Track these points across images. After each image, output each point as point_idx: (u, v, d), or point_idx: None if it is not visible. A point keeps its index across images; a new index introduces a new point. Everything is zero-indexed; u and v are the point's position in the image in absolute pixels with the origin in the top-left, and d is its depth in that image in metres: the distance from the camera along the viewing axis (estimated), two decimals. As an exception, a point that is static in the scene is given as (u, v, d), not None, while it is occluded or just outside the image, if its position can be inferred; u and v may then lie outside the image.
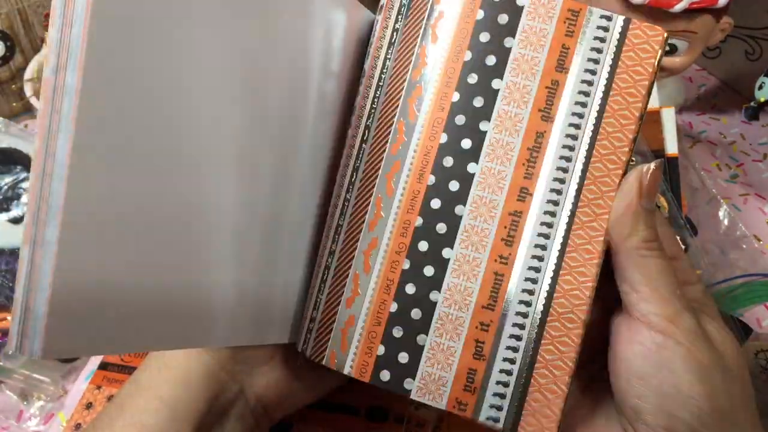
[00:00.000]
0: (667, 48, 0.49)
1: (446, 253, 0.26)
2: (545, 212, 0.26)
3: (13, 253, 0.46)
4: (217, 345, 0.31)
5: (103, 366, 0.43)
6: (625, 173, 0.26)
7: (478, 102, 0.26)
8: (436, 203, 0.26)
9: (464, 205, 0.26)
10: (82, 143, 0.18)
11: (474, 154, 0.26)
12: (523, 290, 0.26)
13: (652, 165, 0.26)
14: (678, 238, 0.46)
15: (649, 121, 0.50)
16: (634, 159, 0.33)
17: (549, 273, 0.26)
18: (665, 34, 0.26)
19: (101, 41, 0.18)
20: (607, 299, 0.27)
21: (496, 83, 0.26)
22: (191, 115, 0.22)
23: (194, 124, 0.22)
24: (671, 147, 0.50)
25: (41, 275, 0.18)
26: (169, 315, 0.23)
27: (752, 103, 0.53)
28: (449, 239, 0.26)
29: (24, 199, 0.49)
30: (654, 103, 0.51)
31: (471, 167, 0.26)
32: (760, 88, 0.53)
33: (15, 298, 0.19)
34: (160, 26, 0.20)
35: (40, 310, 0.18)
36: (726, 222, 0.51)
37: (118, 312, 0.21)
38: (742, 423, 0.24)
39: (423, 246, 0.26)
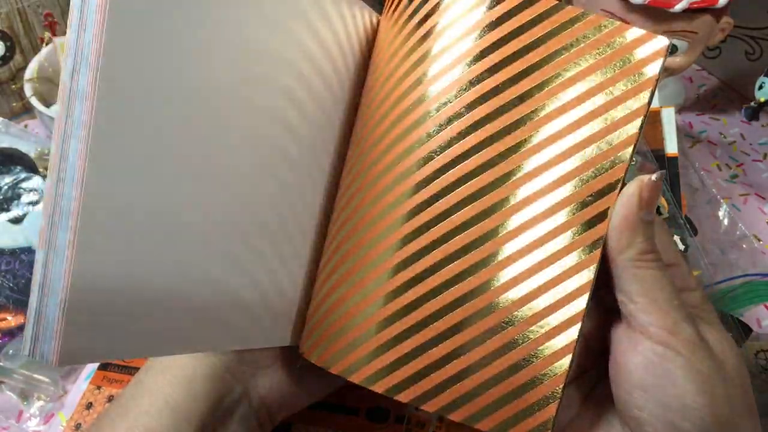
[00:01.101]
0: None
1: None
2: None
3: (14, 253, 0.46)
4: (223, 349, 0.31)
5: (103, 366, 0.43)
6: (625, 177, 0.26)
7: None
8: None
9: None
10: (94, 148, 0.18)
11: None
12: None
13: (654, 177, 0.25)
14: (678, 238, 0.46)
15: (649, 121, 0.50)
16: (634, 160, 0.33)
17: None
18: (668, 43, 0.26)
19: (113, 46, 0.18)
20: (607, 307, 0.27)
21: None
22: (200, 118, 0.22)
23: (203, 127, 0.22)
24: (671, 147, 0.50)
25: (54, 279, 0.18)
26: (177, 320, 0.23)
27: (752, 103, 0.54)
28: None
29: (24, 198, 0.49)
30: (654, 103, 0.51)
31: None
32: (760, 88, 0.53)
33: (30, 302, 0.19)
34: (171, 29, 0.20)
35: (53, 314, 0.18)
36: (726, 222, 0.51)
37: (130, 317, 0.21)
38: (744, 430, 0.24)
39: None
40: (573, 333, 0.25)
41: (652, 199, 0.25)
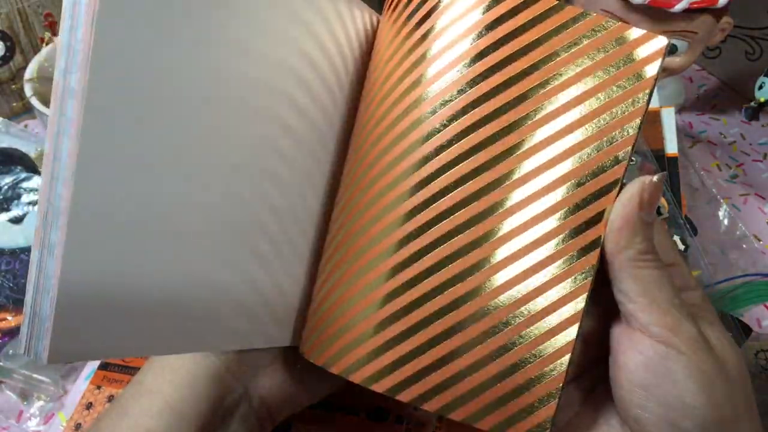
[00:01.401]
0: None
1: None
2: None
3: (14, 253, 0.46)
4: (221, 349, 0.31)
5: (103, 366, 0.43)
6: (624, 177, 0.26)
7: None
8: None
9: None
10: (83, 146, 0.18)
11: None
12: None
13: (655, 178, 0.25)
14: (678, 238, 0.46)
15: (649, 121, 0.50)
16: (633, 159, 0.33)
17: None
18: (667, 43, 0.26)
19: (103, 45, 0.18)
20: (606, 307, 0.27)
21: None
22: (195, 119, 0.22)
23: (198, 128, 0.22)
24: (671, 147, 0.50)
25: (46, 278, 0.19)
26: (175, 319, 0.23)
27: (752, 103, 0.54)
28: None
29: (24, 198, 0.49)
30: (654, 103, 0.51)
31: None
32: (760, 88, 0.53)
33: (25, 300, 0.19)
34: (162, 30, 0.20)
35: (45, 312, 0.18)
36: (726, 222, 0.51)
37: (124, 316, 0.21)
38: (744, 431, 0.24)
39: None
40: (571, 333, 0.25)
41: (653, 201, 0.25)
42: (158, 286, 0.22)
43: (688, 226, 0.47)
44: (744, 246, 0.50)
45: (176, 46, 0.20)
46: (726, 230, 0.51)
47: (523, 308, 0.26)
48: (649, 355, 0.24)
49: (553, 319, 0.25)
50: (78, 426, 0.40)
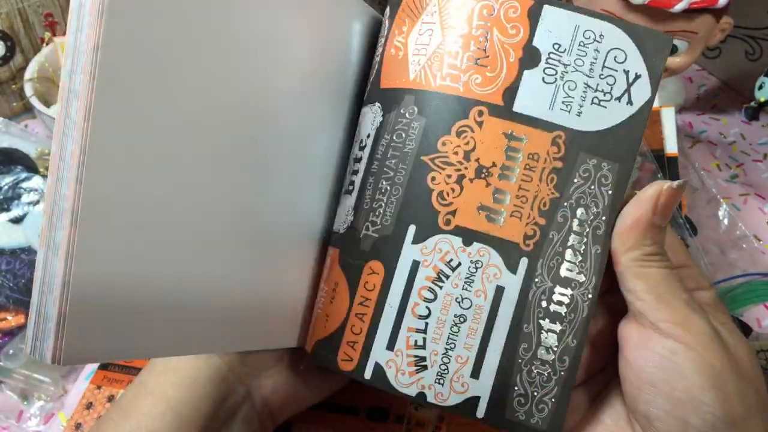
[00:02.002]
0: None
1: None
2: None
3: (14, 253, 0.46)
4: (227, 351, 0.31)
5: (103, 366, 0.43)
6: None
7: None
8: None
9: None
10: (88, 147, 0.18)
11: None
12: None
13: (675, 184, 0.25)
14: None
15: (650, 121, 0.50)
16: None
17: None
18: (670, 40, 0.26)
19: (106, 47, 0.18)
20: (613, 308, 0.27)
21: None
22: (202, 119, 0.22)
23: (205, 128, 0.22)
24: (671, 147, 0.50)
25: (51, 278, 0.19)
26: (181, 321, 0.23)
27: (752, 103, 0.54)
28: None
29: (24, 198, 0.49)
30: (654, 103, 0.51)
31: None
32: (760, 88, 0.53)
33: (31, 301, 0.19)
34: (165, 31, 0.20)
35: (50, 313, 0.18)
36: (726, 222, 0.51)
37: (131, 318, 0.21)
38: (756, 430, 0.23)
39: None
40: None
41: (668, 206, 0.25)
42: (164, 288, 0.22)
43: (688, 226, 0.47)
44: (744, 246, 0.50)
45: (181, 48, 0.20)
46: (726, 230, 0.51)
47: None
48: (659, 351, 0.24)
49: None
50: (78, 426, 0.40)
